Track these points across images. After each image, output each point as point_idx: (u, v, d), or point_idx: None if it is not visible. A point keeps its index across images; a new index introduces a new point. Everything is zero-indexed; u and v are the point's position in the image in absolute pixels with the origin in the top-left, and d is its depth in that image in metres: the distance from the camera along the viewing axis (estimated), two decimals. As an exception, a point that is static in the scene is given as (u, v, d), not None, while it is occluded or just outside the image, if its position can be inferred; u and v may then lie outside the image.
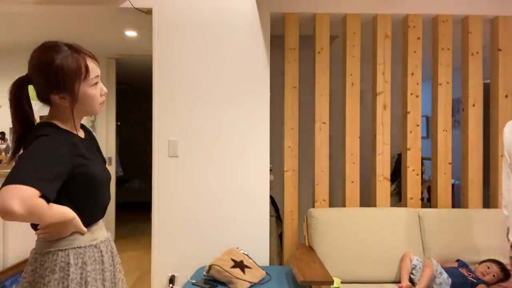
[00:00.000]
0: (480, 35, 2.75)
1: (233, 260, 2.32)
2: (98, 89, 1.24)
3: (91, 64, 1.20)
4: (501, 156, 2.73)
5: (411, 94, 2.73)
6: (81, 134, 1.31)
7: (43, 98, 1.21)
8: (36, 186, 1.01)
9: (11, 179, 1.00)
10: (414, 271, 2.29)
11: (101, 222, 1.31)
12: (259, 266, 2.41)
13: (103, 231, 1.30)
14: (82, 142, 1.26)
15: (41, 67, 1.14)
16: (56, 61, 1.13)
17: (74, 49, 1.18)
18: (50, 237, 1.16)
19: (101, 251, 1.23)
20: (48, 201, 1.05)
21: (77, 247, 1.17)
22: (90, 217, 1.24)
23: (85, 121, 1.46)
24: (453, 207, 2.81)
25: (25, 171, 1.03)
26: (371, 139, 2.82)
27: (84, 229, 1.19)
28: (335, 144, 3.49)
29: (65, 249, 1.15)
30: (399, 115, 2.92)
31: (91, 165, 1.21)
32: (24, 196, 0.97)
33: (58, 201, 1.13)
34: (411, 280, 2.28)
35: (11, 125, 1.26)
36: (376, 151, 2.73)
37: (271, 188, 2.77)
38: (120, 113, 5.17)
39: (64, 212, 1.13)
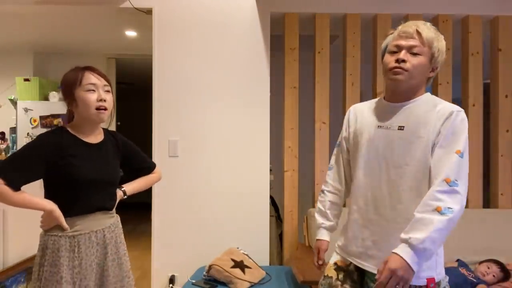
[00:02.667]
0: (480, 35, 2.75)
1: (233, 260, 2.32)
2: (95, 95, 1.48)
3: (88, 75, 1.48)
4: (502, 156, 2.73)
5: (411, 94, 2.73)
6: (94, 139, 1.55)
7: (68, 109, 1.54)
8: (3, 176, 1.35)
9: None
10: None
11: (90, 216, 1.50)
12: (259, 266, 2.41)
13: (94, 223, 1.51)
14: (82, 146, 1.49)
15: (60, 83, 1.53)
16: (65, 75, 1.51)
17: (81, 67, 1.50)
18: (41, 226, 1.47)
19: (78, 241, 1.46)
20: (15, 189, 1.36)
21: (55, 234, 1.44)
22: (73, 209, 1.47)
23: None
24: (453, 207, 2.80)
25: (3, 162, 1.38)
26: (371, 139, 2.82)
27: (65, 225, 1.44)
28: (335, 144, 3.49)
29: (47, 235, 1.45)
30: (399, 115, 2.92)
31: (76, 165, 1.45)
32: None
33: (49, 191, 1.47)
34: None
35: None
36: (376, 151, 2.72)
37: (271, 188, 2.77)
38: (120, 113, 5.17)
39: (39, 202, 1.42)
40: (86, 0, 2.67)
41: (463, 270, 2.26)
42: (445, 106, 1.28)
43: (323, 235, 1.52)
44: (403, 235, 1.17)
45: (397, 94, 1.34)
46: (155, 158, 2.65)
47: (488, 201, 2.81)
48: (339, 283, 1.40)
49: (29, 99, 4.10)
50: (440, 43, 1.32)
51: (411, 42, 1.29)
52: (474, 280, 2.22)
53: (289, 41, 2.72)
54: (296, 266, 2.17)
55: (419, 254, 1.13)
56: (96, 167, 1.50)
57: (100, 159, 1.53)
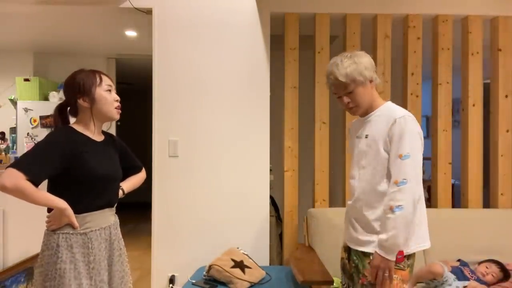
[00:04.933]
0: (480, 35, 2.75)
1: (233, 260, 2.32)
2: (112, 95, 1.60)
3: (105, 77, 1.60)
4: (502, 156, 2.73)
5: (411, 94, 2.73)
6: (99, 138, 1.62)
7: (72, 105, 1.57)
8: (24, 171, 1.36)
9: (12, 164, 1.38)
10: (437, 282, 2.17)
11: (99, 213, 1.55)
12: (259, 266, 2.41)
13: (102, 220, 1.56)
14: (91, 143, 1.56)
15: (68, 82, 1.57)
16: (78, 75, 1.56)
17: (93, 70, 1.61)
18: (49, 226, 1.47)
19: (90, 238, 1.50)
20: (35, 184, 1.38)
21: (66, 232, 1.47)
22: (83, 206, 1.50)
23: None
24: (453, 207, 2.81)
25: (21, 159, 1.40)
26: (371, 139, 2.82)
27: (76, 224, 1.47)
28: (335, 144, 3.49)
29: (57, 233, 1.46)
30: (399, 115, 2.92)
31: (91, 162, 1.50)
32: (13, 176, 1.34)
33: (57, 188, 1.48)
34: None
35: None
36: (376, 151, 2.72)
37: (271, 188, 2.77)
38: (120, 113, 5.17)
39: (54, 200, 1.44)
40: (86, 0, 2.67)
41: (465, 270, 2.26)
42: (391, 115, 1.55)
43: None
44: (379, 236, 1.52)
45: (361, 114, 1.68)
46: (155, 158, 2.65)
47: (488, 201, 2.81)
48: (346, 260, 1.73)
49: (29, 99, 4.10)
50: (355, 65, 1.55)
51: (339, 89, 1.59)
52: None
53: (289, 41, 2.72)
54: (296, 266, 2.17)
55: (390, 249, 1.48)
56: (107, 164, 1.58)
57: (107, 156, 1.62)
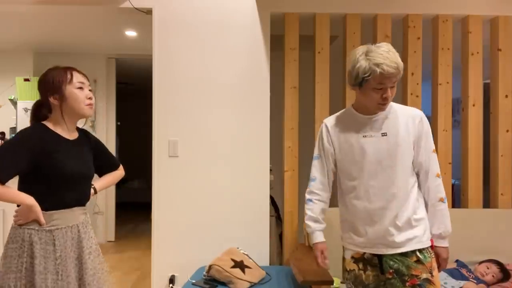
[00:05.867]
0: (480, 35, 2.75)
1: (233, 260, 2.32)
2: (84, 93, 1.58)
3: (77, 74, 1.58)
4: (502, 156, 2.73)
5: (411, 94, 2.73)
6: (71, 135, 1.62)
7: (46, 103, 1.58)
8: None
9: None
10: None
11: (67, 211, 1.55)
12: (259, 266, 2.41)
13: (71, 219, 1.57)
14: (62, 141, 1.56)
15: (41, 79, 1.58)
16: (50, 73, 1.57)
17: (66, 66, 1.59)
18: (17, 220, 1.49)
19: (56, 236, 1.50)
20: (2, 182, 1.40)
21: (32, 228, 1.48)
22: (52, 204, 1.51)
23: (84, 122, 1.67)
24: (453, 207, 2.81)
25: None
26: (371, 139, 2.82)
27: (43, 221, 1.48)
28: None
29: (23, 228, 1.48)
30: (399, 115, 2.92)
31: (61, 160, 1.51)
32: None
33: (26, 185, 1.50)
34: None
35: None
36: (376, 151, 2.72)
37: (271, 188, 2.77)
38: (120, 113, 5.17)
39: (21, 197, 1.46)
40: (86, 0, 2.67)
41: (462, 271, 2.26)
42: (409, 112, 1.61)
43: (321, 237, 1.68)
44: (435, 230, 1.57)
45: (366, 112, 1.61)
46: (155, 158, 2.65)
47: (488, 201, 2.81)
48: (361, 271, 1.60)
49: (29, 99, 4.10)
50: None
51: (393, 80, 1.50)
52: (474, 281, 2.22)
53: (289, 41, 2.72)
54: (296, 266, 2.17)
55: (446, 238, 1.57)
56: (77, 162, 1.57)
57: (79, 155, 1.61)
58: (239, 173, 2.68)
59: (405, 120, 1.57)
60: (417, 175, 1.60)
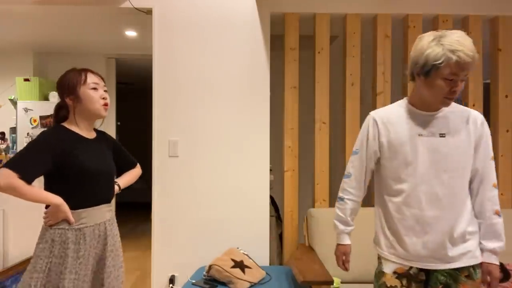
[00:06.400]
0: (480, 35, 2.75)
1: (233, 260, 2.32)
2: (98, 93, 1.62)
3: (91, 75, 1.63)
4: (502, 156, 2.73)
5: (411, 94, 2.73)
6: (90, 135, 1.67)
7: (64, 105, 1.64)
8: (17, 170, 1.42)
9: (5, 163, 1.44)
10: None
11: (94, 209, 1.59)
12: (259, 266, 2.41)
13: (98, 216, 1.61)
14: (82, 140, 1.60)
15: (59, 82, 1.63)
16: (66, 75, 1.62)
17: (81, 68, 1.64)
18: (47, 222, 1.52)
19: (84, 234, 1.54)
20: (28, 182, 1.44)
21: (62, 228, 1.52)
22: (78, 202, 1.55)
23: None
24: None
25: (13, 158, 1.45)
26: (371, 139, 2.82)
27: (72, 219, 1.52)
28: (335, 144, 3.49)
29: (53, 228, 1.52)
30: (399, 115, 2.92)
31: (82, 158, 1.55)
32: (6, 175, 1.40)
33: (52, 185, 1.53)
34: None
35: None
36: (376, 151, 2.72)
37: (271, 188, 2.77)
38: (120, 113, 5.17)
39: (48, 197, 1.49)
40: (86, 0, 2.67)
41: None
42: (468, 113, 1.45)
43: (347, 240, 1.62)
44: (489, 245, 1.42)
45: (426, 108, 1.45)
46: (155, 158, 2.65)
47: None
48: None
49: (29, 99, 4.10)
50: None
51: (466, 71, 1.32)
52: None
53: (289, 41, 2.72)
54: (296, 266, 2.17)
55: (498, 254, 1.42)
56: (97, 159, 1.62)
57: (98, 153, 1.65)
58: (239, 173, 2.68)
59: (465, 121, 1.42)
60: (470, 182, 1.45)
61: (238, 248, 2.54)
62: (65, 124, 1.62)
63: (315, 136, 2.72)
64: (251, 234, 2.68)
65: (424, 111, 1.44)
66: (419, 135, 1.42)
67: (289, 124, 2.73)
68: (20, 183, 1.42)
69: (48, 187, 1.55)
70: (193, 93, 2.67)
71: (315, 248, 2.47)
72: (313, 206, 2.73)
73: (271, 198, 2.98)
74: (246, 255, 2.46)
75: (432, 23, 2.83)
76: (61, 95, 1.62)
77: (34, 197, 1.46)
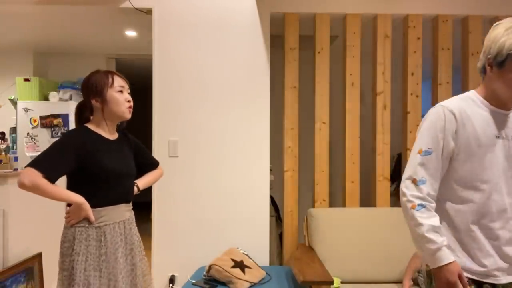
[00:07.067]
0: (480, 35, 2.75)
1: (233, 260, 2.32)
2: (124, 96, 1.66)
3: (117, 78, 1.66)
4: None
5: (411, 94, 2.73)
6: (112, 136, 1.70)
7: (88, 106, 1.66)
8: (41, 170, 1.46)
9: (30, 163, 1.47)
10: (422, 273, 2.25)
11: (114, 208, 1.63)
12: (259, 266, 2.41)
13: (117, 215, 1.64)
14: (104, 141, 1.64)
15: (84, 83, 1.66)
16: (93, 76, 1.64)
17: (107, 71, 1.68)
18: (69, 221, 1.56)
19: (104, 232, 1.58)
20: (52, 182, 1.48)
21: (82, 226, 1.55)
22: (99, 201, 1.59)
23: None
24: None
25: (38, 158, 1.49)
26: (371, 139, 2.82)
27: (93, 218, 1.55)
28: (335, 144, 3.49)
29: (74, 226, 1.55)
30: (399, 115, 2.92)
31: (104, 159, 1.58)
32: (30, 174, 1.44)
33: (74, 184, 1.57)
34: (416, 281, 2.27)
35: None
36: (376, 151, 2.73)
37: (271, 188, 2.77)
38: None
39: (71, 196, 1.53)
40: (86, 0, 2.67)
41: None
42: None
43: (451, 255, 1.24)
44: None
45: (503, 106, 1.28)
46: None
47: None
48: None
49: (29, 99, 4.10)
50: None
51: None
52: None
53: (289, 41, 2.72)
54: (296, 266, 2.17)
55: None
56: (118, 160, 1.65)
57: (119, 154, 1.68)
58: (239, 173, 2.68)
59: None
60: None
61: (238, 248, 2.54)
62: (89, 125, 1.65)
63: (315, 136, 2.72)
64: (251, 234, 2.68)
65: (497, 108, 1.26)
66: (496, 136, 1.25)
67: (289, 124, 2.73)
68: (44, 182, 1.45)
69: (70, 186, 1.59)
70: (193, 93, 2.67)
71: (315, 248, 2.47)
72: (313, 206, 2.73)
73: (271, 198, 2.98)
74: (246, 255, 2.46)
75: (432, 23, 2.83)
76: (86, 96, 1.65)
77: (57, 196, 1.49)
